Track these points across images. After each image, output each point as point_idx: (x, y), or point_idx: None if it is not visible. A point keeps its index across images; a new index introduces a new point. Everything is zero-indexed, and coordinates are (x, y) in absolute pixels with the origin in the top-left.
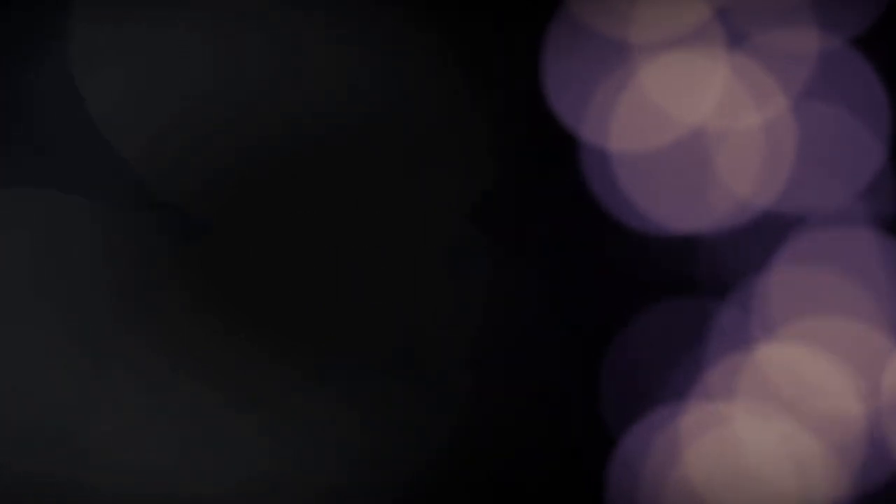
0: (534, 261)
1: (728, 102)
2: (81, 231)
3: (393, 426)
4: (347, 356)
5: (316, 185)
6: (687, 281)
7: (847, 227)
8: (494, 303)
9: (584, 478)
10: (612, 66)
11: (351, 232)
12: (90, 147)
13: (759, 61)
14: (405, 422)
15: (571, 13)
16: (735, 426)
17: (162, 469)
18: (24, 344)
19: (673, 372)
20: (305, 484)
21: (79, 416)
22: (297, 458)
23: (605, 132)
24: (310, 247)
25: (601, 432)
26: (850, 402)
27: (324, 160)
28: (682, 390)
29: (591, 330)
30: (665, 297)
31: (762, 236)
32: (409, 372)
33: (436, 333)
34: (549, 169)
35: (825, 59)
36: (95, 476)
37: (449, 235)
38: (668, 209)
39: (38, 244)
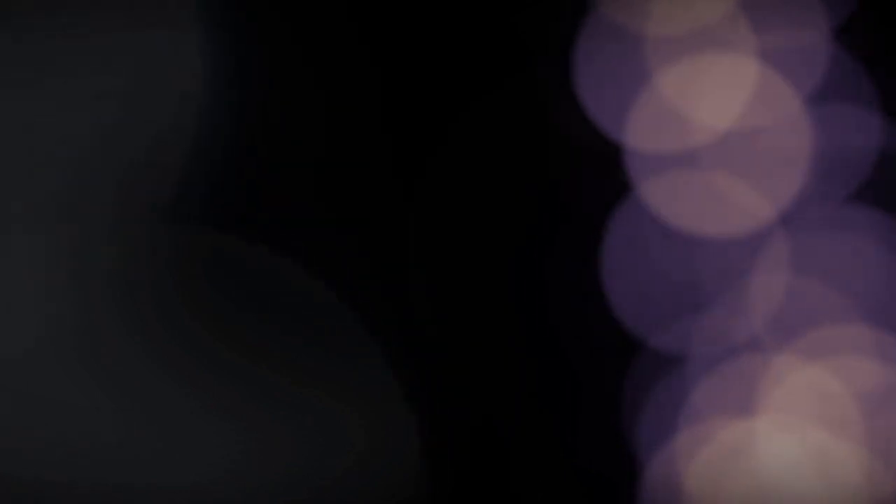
0: (549, 263)
1: (734, 104)
2: (80, 230)
3: (404, 439)
4: (346, 355)
5: (314, 185)
6: (694, 284)
7: (847, 228)
8: (499, 312)
9: (596, 489)
10: (630, 64)
11: (349, 232)
12: (90, 146)
13: (763, 63)
14: (416, 433)
15: (603, 12)
16: (752, 436)
17: (157, 468)
18: (24, 343)
19: (688, 381)
20: (303, 483)
21: (76, 415)
22: (295, 456)
23: (627, 131)
24: (308, 246)
25: (618, 448)
26: (862, 405)
27: (324, 160)
28: (697, 400)
29: (604, 339)
30: (672, 301)
31: (766, 238)
32: (416, 381)
33: (446, 352)
34: (575, 167)
35: (824, 60)
36: (92, 475)
37: (452, 236)
38: (680, 210)
39: (37, 244)
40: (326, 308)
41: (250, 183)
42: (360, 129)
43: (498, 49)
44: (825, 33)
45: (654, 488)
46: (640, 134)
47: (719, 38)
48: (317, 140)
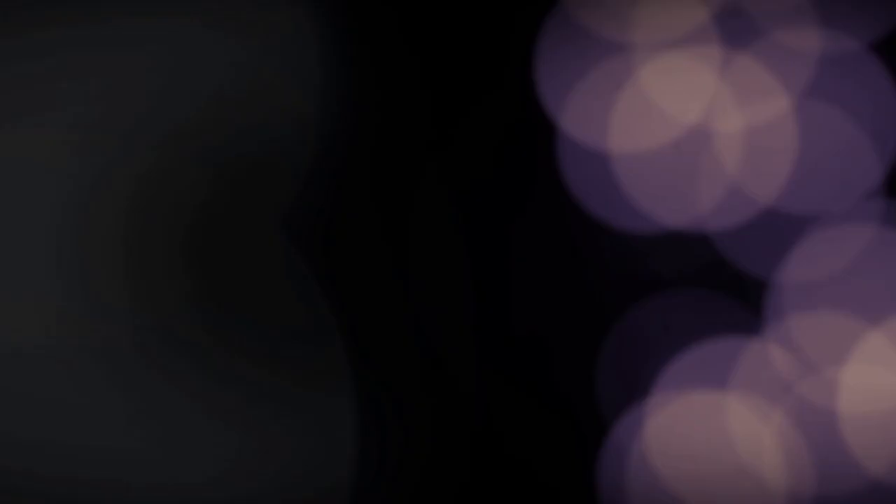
0: (527, 264)
1: (733, 102)
2: (80, 230)
3: (385, 429)
4: (342, 354)
5: (313, 187)
6: (692, 279)
7: (854, 225)
8: (492, 314)
9: (583, 477)
10: (609, 65)
11: (340, 232)
12: (94, 146)
13: (764, 60)
14: (399, 424)
15: (566, 11)
16: (745, 423)
17: (156, 469)
18: (25, 343)
19: (676, 369)
20: (303, 483)
21: (74, 416)
22: (295, 457)
23: (601, 132)
24: (306, 246)
25: (601, 432)
26: (859, 398)
27: (322, 161)
28: (686, 388)
29: (593, 329)
30: (667, 296)
31: (770, 235)
32: (403, 374)
33: (431, 336)
34: (542, 168)
35: (833, 58)
36: (89, 475)
37: (441, 236)
38: (671, 209)
39: (38, 244)
40: (324, 309)
41: (247, 185)
42: (359, 130)
43: (497, 49)
44: (829, 30)
45: (624, 481)
46: (635, 134)
47: (720, 36)
48: (315, 142)
